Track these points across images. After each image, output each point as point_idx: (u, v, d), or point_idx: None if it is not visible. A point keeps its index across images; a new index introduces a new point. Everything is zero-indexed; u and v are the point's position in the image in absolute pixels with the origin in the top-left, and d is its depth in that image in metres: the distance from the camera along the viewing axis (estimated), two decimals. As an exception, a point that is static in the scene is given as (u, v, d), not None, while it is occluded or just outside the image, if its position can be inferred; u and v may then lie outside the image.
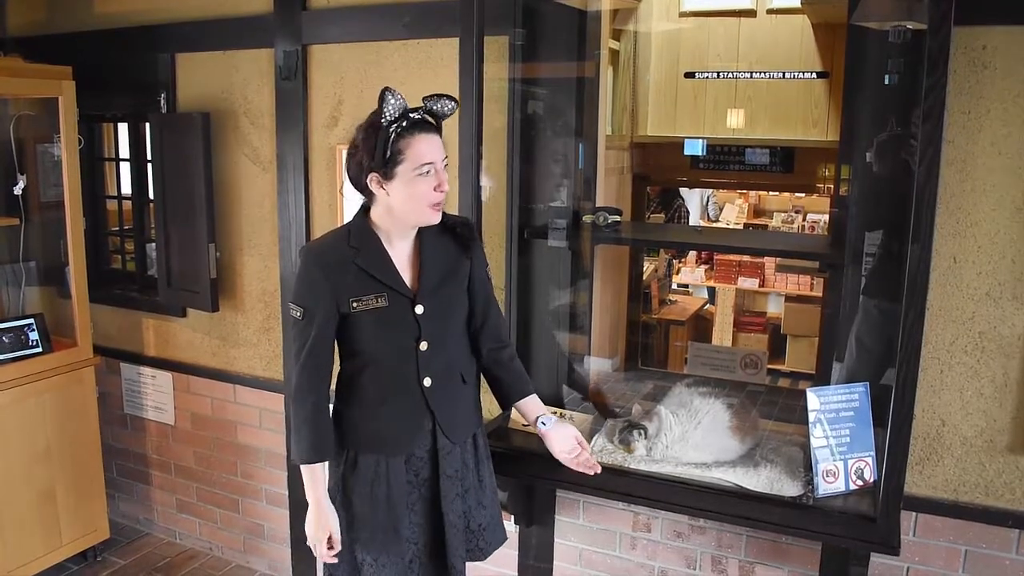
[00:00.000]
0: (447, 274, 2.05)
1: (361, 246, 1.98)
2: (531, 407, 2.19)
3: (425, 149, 1.87)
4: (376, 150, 1.86)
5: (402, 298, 1.99)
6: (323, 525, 2.04)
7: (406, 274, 2.02)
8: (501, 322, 2.22)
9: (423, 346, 2.02)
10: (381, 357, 2.03)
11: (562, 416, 2.59)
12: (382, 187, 1.91)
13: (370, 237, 1.99)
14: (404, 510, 2.06)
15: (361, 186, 1.95)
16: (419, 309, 2.00)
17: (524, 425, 2.57)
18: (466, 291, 2.11)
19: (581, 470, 2.13)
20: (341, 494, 2.10)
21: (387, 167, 1.87)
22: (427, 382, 2.03)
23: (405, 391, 2.03)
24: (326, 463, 2.07)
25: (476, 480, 2.19)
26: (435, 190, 1.91)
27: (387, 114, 1.85)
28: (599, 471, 2.13)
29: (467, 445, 2.16)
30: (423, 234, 2.04)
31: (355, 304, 1.96)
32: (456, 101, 1.95)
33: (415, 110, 1.89)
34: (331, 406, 2.07)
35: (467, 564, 2.19)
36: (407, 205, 1.92)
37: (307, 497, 2.05)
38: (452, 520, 2.09)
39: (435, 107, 1.91)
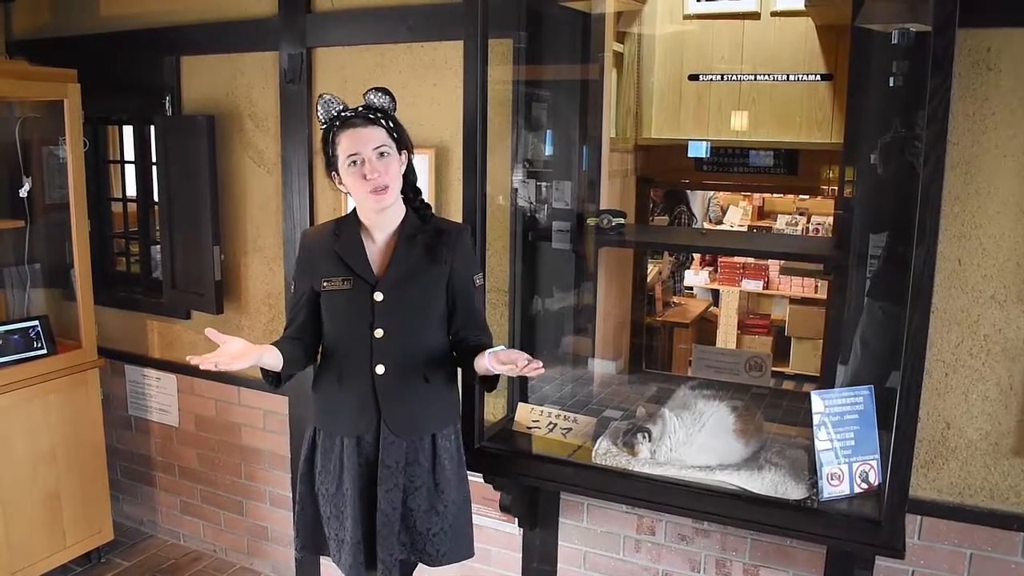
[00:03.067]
0: (418, 271, 2.11)
1: (342, 234, 2.15)
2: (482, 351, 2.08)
3: (348, 142, 2.03)
4: (323, 152, 2.10)
5: (364, 284, 2.10)
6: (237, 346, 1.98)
7: (376, 264, 2.12)
8: (482, 332, 2.23)
9: (378, 333, 2.10)
10: (339, 339, 2.17)
11: (567, 418, 2.59)
12: (342, 184, 2.09)
13: (352, 227, 2.15)
14: (353, 490, 2.13)
15: (337, 188, 2.14)
16: (377, 296, 2.09)
17: (529, 428, 2.57)
18: (442, 294, 2.16)
19: (526, 372, 1.95)
20: (308, 471, 2.23)
21: (332, 166, 2.09)
22: (379, 370, 2.11)
23: (357, 375, 2.13)
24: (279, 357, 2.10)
25: (431, 482, 2.18)
26: (364, 179, 2.02)
27: (321, 117, 2.07)
28: (539, 369, 1.94)
29: (422, 444, 2.17)
30: (403, 230, 2.13)
31: (325, 284, 2.13)
32: (391, 95, 2.09)
33: (351, 109, 2.06)
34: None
35: (435, 567, 2.24)
36: (355, 196, 2.10)
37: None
38: (384, 509, 2.12)
39: (367, 101, 2.08)
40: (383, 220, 2.12)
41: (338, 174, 2.07)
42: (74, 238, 3.27)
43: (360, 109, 2.06)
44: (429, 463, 2.18)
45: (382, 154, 2.03)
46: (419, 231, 2.14)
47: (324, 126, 2.06)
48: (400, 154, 2.08)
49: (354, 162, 2.01)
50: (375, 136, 2.03)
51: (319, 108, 2.06)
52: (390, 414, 2.12)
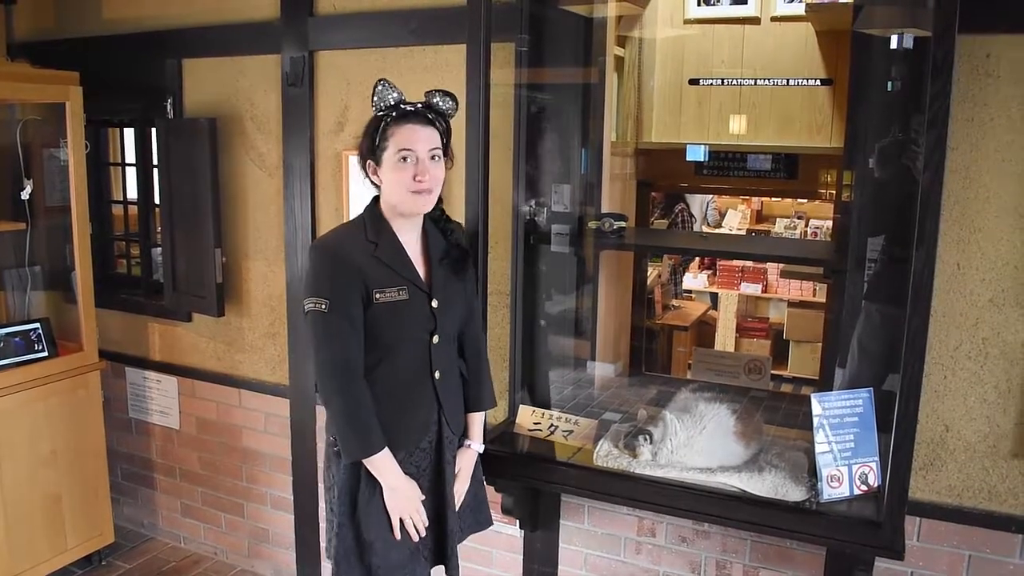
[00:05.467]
0: (450, 271, 2.13)
1: (378, 240, 2.03)
2: (471, 424, 2.30)
3: (407, 137, 1.96)
4: (368, 137, 2.00)
5: (419, 292, 2.06)
6: (407, 501, 2.08)
7: (419, 268, 2.09)
8: (477, 320, 2.31)
9: (436, 339, 2.09)
10: (398, 350, 2.07)
11: (568, 420, 2.60)
12: (376, 174, 2.02)
13: (385, 230, 2.05)
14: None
15: (365, 175, 2.06)
16: (435, 303, 2.07)
17: (530, 430, 2.58)
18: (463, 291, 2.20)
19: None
20: (348, 492, 2.10)
21: (375, 153, 1.99)
22: (437, 375, 2.12)
23: (419, 383, 2.10)
24: (387, 451, 2.04)
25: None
26: (413, 179, 1.96)
27: (375, 103, 1.98)
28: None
29: (460, 434, 2.27)
30: (429, 232, 2.12)
31: (378, 296, 2.00)
32: (456, 101, 2.05)
33: (411, 103, 1.98)
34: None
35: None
36: (391, 192, 2.00)
37: (382, 482, 2.07)
38: (452, 503, 2.18)
39: (432, 100, 2.01)
40: (411, 223, 2.08)
41: (375, 164, 2.00)
42: (75, 240, 3.28)
43: (420, 106, 2.00)
44: (461, 447, 2.28)
45: (433, 157, 1.98)
46: (440, 233, 2.15)
47: (379, 113, 1.97)
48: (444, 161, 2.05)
49: (405, 159, 1.95)
50: (431, 138, 1.98)
51: (376, 93, 1.96)
52: (450, 414, 2.17)
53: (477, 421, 2.30)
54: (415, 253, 2.09)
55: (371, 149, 1.99)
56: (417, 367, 2.09)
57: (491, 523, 2.39)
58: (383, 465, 2.04)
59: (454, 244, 2.14)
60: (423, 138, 1.97)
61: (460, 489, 2.24)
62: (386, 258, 2.02)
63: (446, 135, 2.04)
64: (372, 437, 2.01)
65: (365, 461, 2.03)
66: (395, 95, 1.97)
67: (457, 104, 2.06)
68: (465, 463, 2.26)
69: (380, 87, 1.97)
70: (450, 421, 2.17)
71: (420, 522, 2.09)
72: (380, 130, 1.97)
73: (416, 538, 2.10)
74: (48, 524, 3.31)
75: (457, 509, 2.22)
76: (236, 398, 3.50)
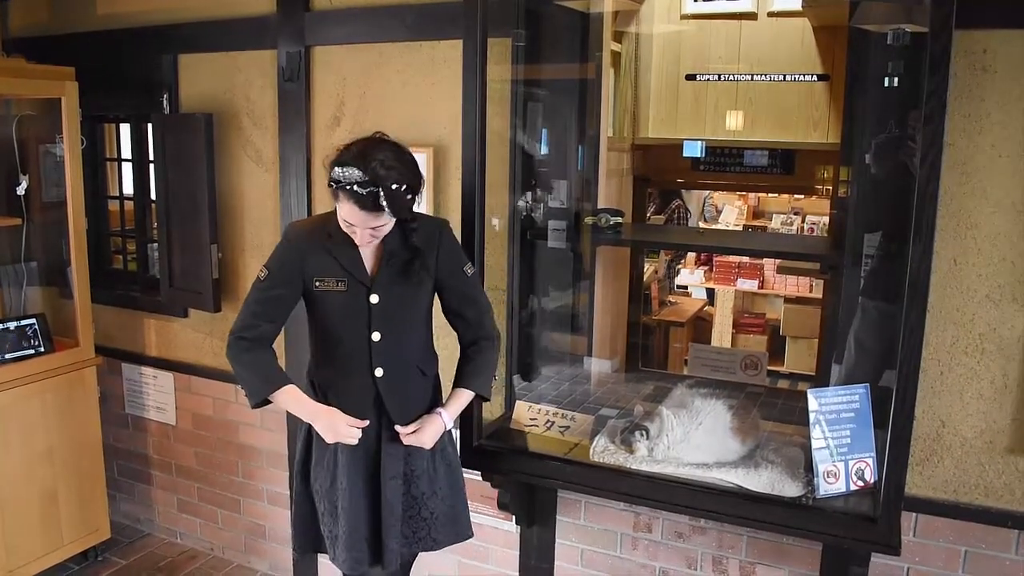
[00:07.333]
0: (407, 270, 2.11)
1: (334, 233, 2.08)
2: (450, 398, 2.23)
3: (349, 212, 1.96)
4: (329, 180, 1.98)
5: (359, 286, 2.09)
6: (328, 420, 2.11)
7: (370, 265, 2.11)
8: (484, 316, 2.24)
9: (375, 336, 2.11)
10: (337, 341, 2.14)
11: (564, 416, 2.60)
12: None
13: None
14: (350, 484, 2.14)
15: None
16: (373, 298, 2.09)
17: (526, 426, 2.58)
18: (429, 291, 2.18)
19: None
20: (303, 469, 2.25)
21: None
22: (379, 372, 2.12)
23: (357, 376, 2.14)
24: (292, 386, 2.13)
25: (431, 468, 2.23)
26: (354, 236, 2.01)
27: (333, 176, 1.94)
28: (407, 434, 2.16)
29: None
30: (389, 237, 2.09)
31: (318, 283, 2.09)
32: (415, 192, 1.98)
33: (363, 187, 1.90)
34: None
35: (438, 553, 2.35)
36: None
37: (301, 418, 2.18)
38: (389, 499, 2.15)
39: (388, 191, 1.90)
40: None
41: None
42: (71, 236, 3.26)
43: (373, 191, 1.90)
44: (429, 450, 2.21)
45: (376, 228, 1.99)
46: (405, 233, 2.08)
47: (331, 184, 1.94)
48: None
49: (349, 224, 1.98)
50: (376, 220, 1.96)
51: (337, 170, 1.92)
52: (393, 408, 2.15)
53: (456, 395, 2.21)
54: (371, 252, 2.11)
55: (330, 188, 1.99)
56: (356, 361, 2.12)
57: (471, 534, 2.33)
58: (292, 400, 2.13)
59: (410, 246, 2.09)
60: (366, 220, 1.95)
61: (407, 431, 2.15)
62: (335, 250, 2.08)
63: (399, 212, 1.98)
64: (273, 376, 2.12)
65: (276, 400, 2.11)
66: (352, 174, 1.90)
67: (414, 196, 1.99)
68: (425, 421, 2.16)
69: (342, 170, 1.91)
70: (393, 414, 2.14)
71: (357, 425, 2.10)
72: (333, 190, 1.96)
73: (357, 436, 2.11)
74: (44, 520, 3.30)
75: (406, 429, 2.15)
76: (232, 394, 3.49)
